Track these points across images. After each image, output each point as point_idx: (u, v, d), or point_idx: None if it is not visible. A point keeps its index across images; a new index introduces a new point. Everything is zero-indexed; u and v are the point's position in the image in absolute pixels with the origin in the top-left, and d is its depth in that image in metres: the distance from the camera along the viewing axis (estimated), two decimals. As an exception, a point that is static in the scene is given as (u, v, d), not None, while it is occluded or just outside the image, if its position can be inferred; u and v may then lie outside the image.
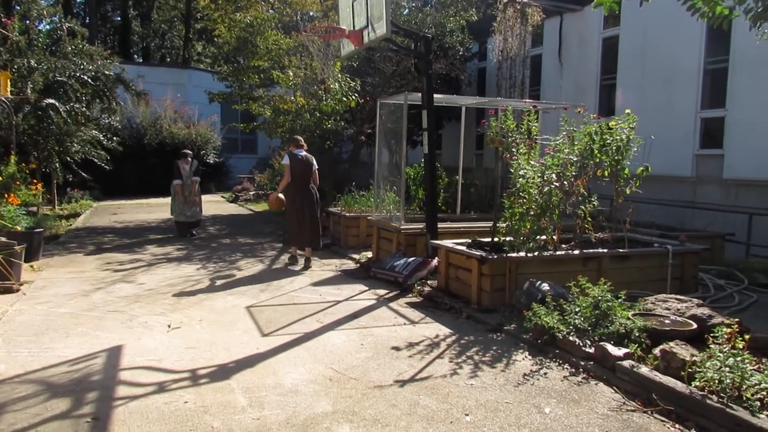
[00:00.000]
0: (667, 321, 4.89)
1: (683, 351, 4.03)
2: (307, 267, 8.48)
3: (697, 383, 3.66)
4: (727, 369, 3.58)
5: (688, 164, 9.91)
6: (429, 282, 7.21)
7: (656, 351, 4.20)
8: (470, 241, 6.92)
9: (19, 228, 8.02)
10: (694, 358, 3.89)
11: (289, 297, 6.80)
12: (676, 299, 5.30)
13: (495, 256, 6.09)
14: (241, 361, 4.62)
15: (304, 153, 8.64)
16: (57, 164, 13.31)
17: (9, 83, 9.93)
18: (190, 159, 11.38)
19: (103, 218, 14.17)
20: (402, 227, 8.25)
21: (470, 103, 10.63)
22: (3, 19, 11.08)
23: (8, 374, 4.24)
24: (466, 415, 3.69)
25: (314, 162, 8.76)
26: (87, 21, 33.20)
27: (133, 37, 40.35)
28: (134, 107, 19.59)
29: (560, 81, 12.81)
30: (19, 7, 13.27)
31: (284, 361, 4.61)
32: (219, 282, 7.52)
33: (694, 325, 4.72)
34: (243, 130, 16.33)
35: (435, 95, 8.19)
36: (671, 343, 4.17)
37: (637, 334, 4.52)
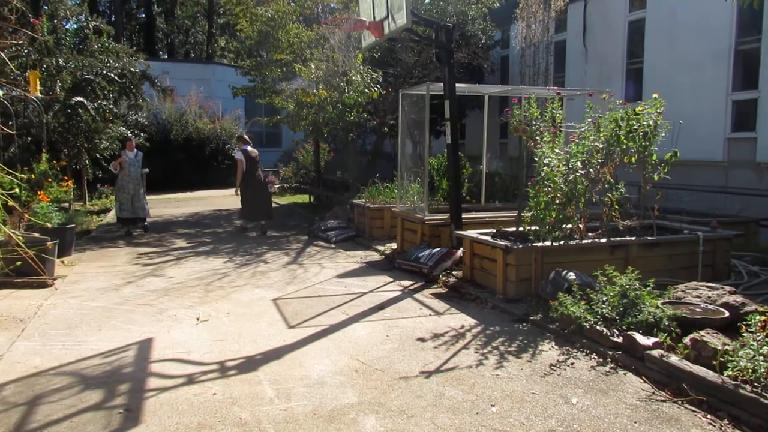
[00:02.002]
0: (697, 309, 4.79)
1: (715, 340, 3.95)
2: (264, 232, 10.70)
3: (730, 372, 3.58)
4: (761, 358, 3.50)
5: (719, 148, 9.67)
6: (454, 273, 7.19)
7: (686, 340, 4.13)
8: (495, 230, 6.88)
9: (50, 225, 8.20)
10: (726, 347, 3.81)
11: (314, 289, 6.85)
12: (708, 287, 5.20)
13: (520, 246, 6.03)
14: (268, 353, 4.67)
15: (250, 147, 10.70)
16: (87, 161, 13.56)
17: (39, 83, 10.11)
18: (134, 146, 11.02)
19: (132, 213, 14.38)
20: (426, 218, 8.23)
21: (493, 91, 10.52)
22: (31, 20, 11.28)
23: (44, 367, 4.36)
24: (492, 405, 3.68)
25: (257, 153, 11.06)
26: (112, 19, 33.75)
27: (158, 34, 40.81)
28: (160, 103, 19.84)
29: (585, 67, 12.59)
30: (47, 7, 13.51)
31: (310, 353, 4.65)
32: (245, 275, 7.60)
33: (726, 313, 4.62)
34: (267, 123, 16.43)
35: (457, 84, 8.12)
36: (702, 332, 4.09)
37: (666, 323, 4.44)
